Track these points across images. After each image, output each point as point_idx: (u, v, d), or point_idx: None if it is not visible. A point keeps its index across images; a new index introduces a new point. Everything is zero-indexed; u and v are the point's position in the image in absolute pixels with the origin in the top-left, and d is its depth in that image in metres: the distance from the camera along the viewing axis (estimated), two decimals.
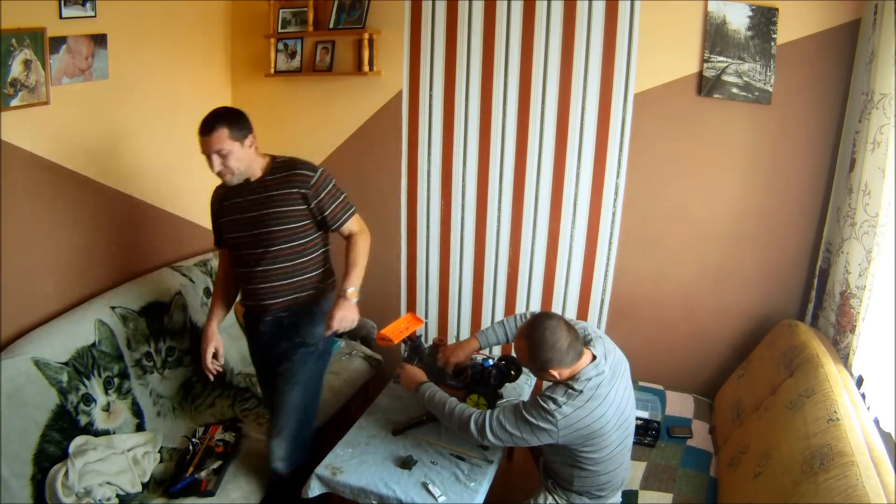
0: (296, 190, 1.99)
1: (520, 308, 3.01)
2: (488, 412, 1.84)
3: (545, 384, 1.89)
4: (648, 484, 2.11)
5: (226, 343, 2.82)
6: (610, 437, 1.76)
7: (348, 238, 2.09)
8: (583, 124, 2.72)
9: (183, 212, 2.95)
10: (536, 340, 1.74)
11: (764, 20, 2.42)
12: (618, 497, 1.97)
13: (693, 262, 2.75)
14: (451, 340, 3.10)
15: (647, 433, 2.33)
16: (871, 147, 2.11)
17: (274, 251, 1.99)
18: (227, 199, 2.06)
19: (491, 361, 2.40)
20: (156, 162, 2.75)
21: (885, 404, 1.99)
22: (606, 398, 1.73)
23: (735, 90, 2.51)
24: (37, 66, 2.09)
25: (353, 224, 2.09)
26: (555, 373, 1.74)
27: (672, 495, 2.05)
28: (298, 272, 2.04)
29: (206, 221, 3.08)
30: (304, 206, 2.00)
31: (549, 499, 1.96)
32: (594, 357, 1.78)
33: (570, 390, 1.72)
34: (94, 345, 2.21)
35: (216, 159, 1.96)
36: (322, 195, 2.01)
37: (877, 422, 1.95)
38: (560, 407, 1.69)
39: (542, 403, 1.72)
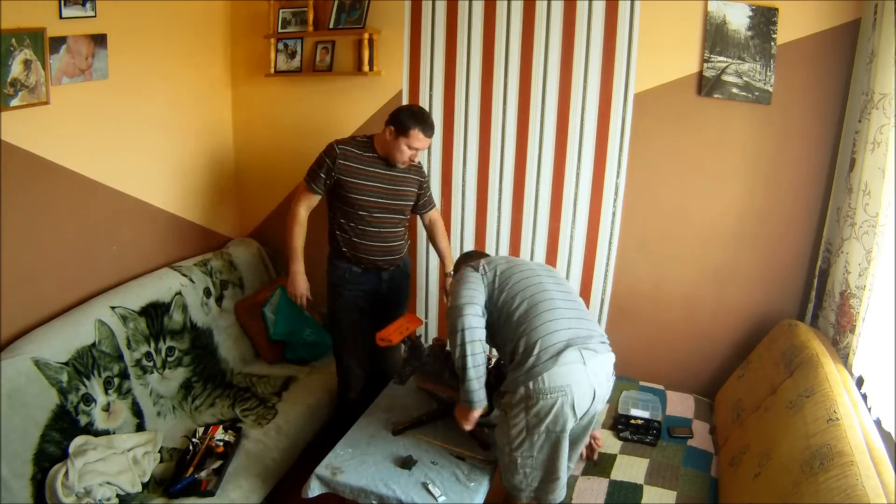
0: (417, 178, 2.55)
1: None
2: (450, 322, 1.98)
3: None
4: (653, 480, 2.11)
5: (226, 343, 2.84)
6: (506, 267, 2.08)
7: (431, 224, 2.73)
8: (583, 124, 2.72)
9: (183, 212, 2.95)
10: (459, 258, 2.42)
11: (764, 20, 2.42)
12: (549, 381, 1.80)
13: (693, 262, 2.75)
14: None
15: (647, 433, 2.33)
16: (871, 147, 2.11)
17: (398, 219, 2.53)
18: (369, 166, 2.44)
19: (491, 361, 2.40)
20: (156, 162, 2.75)
21: (885, 404, 1.99)
22: (495, 258, 2.18)
23: (735, 90, 2.51)
24: (37, 66, 2.09)
25: (434, 213, 2.73)
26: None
27: (676, 493, 2.05)
28: (402, 237, 2.59)
29: (205, 221, 3.11)
30: (417, 191, 2.56)
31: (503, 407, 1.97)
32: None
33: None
34: (94, 345, 2.21)
35: (414, 154, 2.39)
36: (426, 187, 2.62)
37: (877, 422, 1.95)
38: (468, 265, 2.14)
39: (462, 274, 2.10)
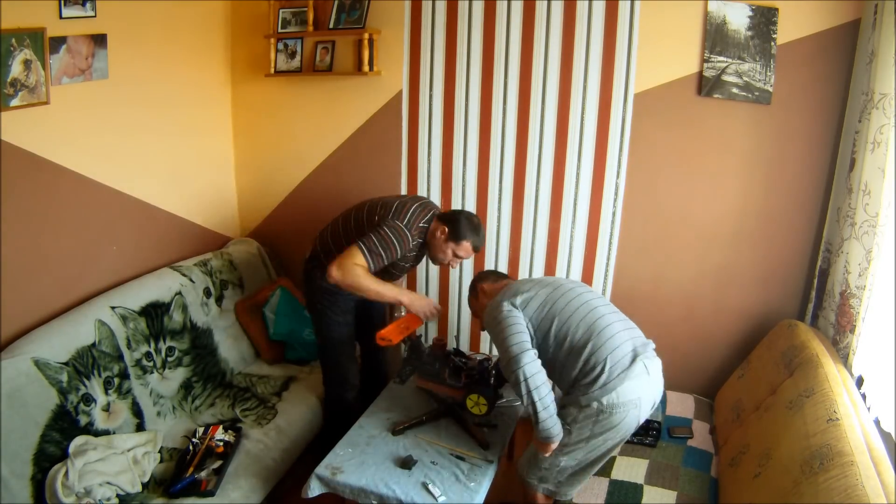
0: None
1: None
2: (509, 374, 1.91)
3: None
4: (653, 480, 2.11)
5: (226, 343, 2.84)
6: (550, 293, 2.01)
7: None
8: (583, 124, 2.72)
9: (183, 212, 2.95)
10: (475, 278, 2.37)
11: (764, 20, 2.42)
12: (622, 395, 1.84)
13: (693, 262, 2.75)
14: (450, 340, 3.10)
15: (647, 433, 2.33)
16: (871, 147, 2.11)
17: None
18: (415, 251, 2.40)
19: (491, 361, 2.40)
20: (156, 162, 2.75)
21: (885, 404, 1.99)
22: (528, 282, 2.12)
23: (735, 90, 2.51)
24: (37, 66, 2.09)
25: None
26: (484, 286, 2.27)
27: (676, 493, 2.05)
28: None
29: (205, 221, 3.11)
30: None
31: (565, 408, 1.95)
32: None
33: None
34: (94, 345, 2.21)
35: (455, 260, 2.39)
36: None
37: (877, 422, 1.95)
38: (493, 300, 2.07)
39: (491, 312, 2.03)
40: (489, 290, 2.23)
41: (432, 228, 2.34)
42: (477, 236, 2.33)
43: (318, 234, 2.51)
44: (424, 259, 2.54)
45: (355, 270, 2.18)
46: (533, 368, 1.85)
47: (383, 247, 2.21)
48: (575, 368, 1.89)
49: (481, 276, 2.34)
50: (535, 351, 1.90)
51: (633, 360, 1.88)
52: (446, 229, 2.29)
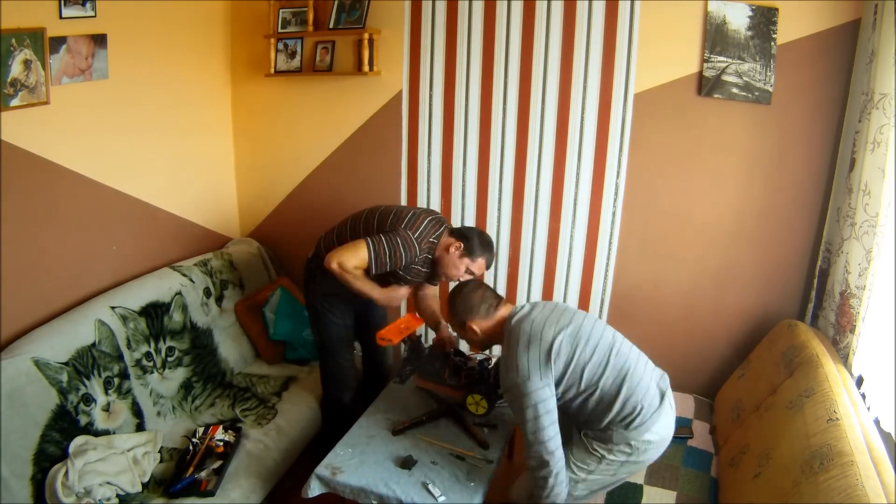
0: None
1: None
2: (528, 461, 1.81)
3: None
4: (653, 480, 2.11)
5: (226, 343, 2.84)
6: (580, 347, 1.82)
7: (428, 292, 2.60)
8: (583, 124, 2.72)
9: (183, 212, 2.95)
10: (451, 298, 2.02)
11: (764, 20, 2.42)
12: (656, 433, 1.83)
13: (693, 262, 2.75)
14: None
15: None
16: (871, 147, 2.10)
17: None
18: (424, 265, 2.35)
19: (491, 361, 2.40)
20: (156, 162, 2.75)
21: (885, 404, 1.99)
22: (536, 322, 1.85)
23: (735, 90, 2.51)
24: (37, 66, 2.09)
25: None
26: (474, 326, 1.96)
27: (676, 493, 2.05)
28: None
29: (205, 221, 3.11)
30: None
31: (591, 444, 1.88)
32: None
33: (503, 351, 1.88)
34: (94, 345, 2.21)
35: (466, 276, 2.31)
36: None
37: (877, 422, 1.95)
38: (508, 370, 1.81)
39: (509, 366, 1.81)
40: (483, 329, 1.97)
41: (445, 244, 2.29)
42: (490, 253, 2.33)
43: (324, 236, 2.49)
44: None
45: (353, 271, 2.20)
46: (563, 466, 1.79)
47: (390, 251, 2.20)
48: (608, 415, 1.83)
49: (468, 307, 1.98)
50: (557, 411, 1.80)
51: (662, 397, 1.88)
52: (461, 245, 2.27)
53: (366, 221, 2.38)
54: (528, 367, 1.78)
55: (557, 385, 1.82)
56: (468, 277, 2.32)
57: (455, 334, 2.30)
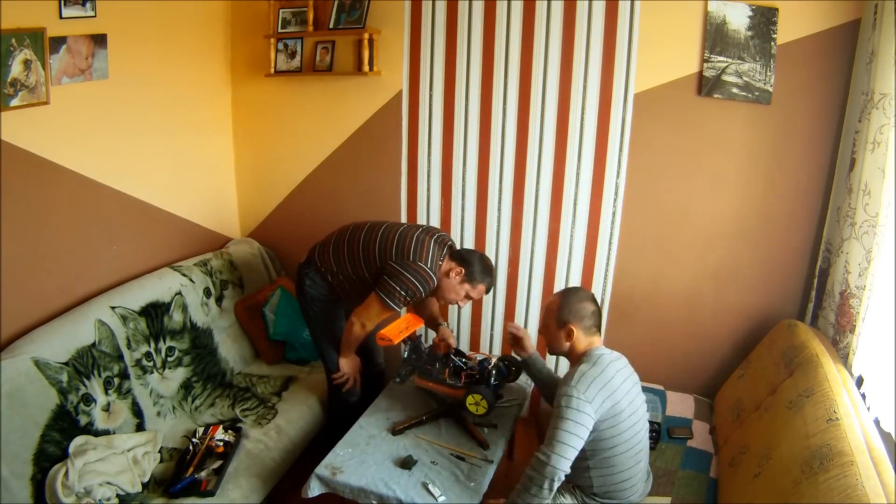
0: None
1: (519, 308, 3.01)
2: (538, 454, 1.79)
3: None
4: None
5: (226, 343, 2.84)
6: (625, 416, 1.84)
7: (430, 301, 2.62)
8: (583, 124, 2.72)
9: (183, 212, 2.95)
10: (568, 295, 2.01)
11: (764, 20, 2.42)
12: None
13: (693, 262, 2.75)
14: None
15: (648, 434, 2.32)
16: (871, 147, 2.11)
17: None
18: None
19: (491, 361, 2.40)
20: (156, 162, 2.75)
21: (885, 404, 1.99)
22: (617, 374, 1.88)
23: (735, 90, 2.51)
24: (37, 66, 2.09)
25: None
26: (573, 328, 1.95)
27: (670, 498, 2.05)
28: None
29: (205, 221, 3.11)
30: None
31: (569, 498, 1.93)
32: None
33: (581, 368, 1.86)
34: (94, 345, 2.21)
35: (465, 301, 2.36)
36: None
37: (877, 422, 1.95)
38: (577, 383, 1.80)
39: (566, 393, 1.80)
40: (576, 340, 1.96)
41: (445, 268, 2.29)
42: (491, 278, 2.33)
43: (319, 245, 2.49)
44: None
45: (366, 325, 2.34)
46: (560, 479, 1.78)
47: (405, 291, 2.23)
48: (602, 486, 1.89)
49: (579, 313, 1.96)
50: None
51: (647, 476, 2.00)
52: (462, 271, 2.26)
53: (365, 248, 2.35)
54: (593, 395, 1.79)
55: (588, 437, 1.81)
56: (467, 303, 2.35)
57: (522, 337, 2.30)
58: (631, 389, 1.92)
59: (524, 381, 2.53)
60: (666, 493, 2.08)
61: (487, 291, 2.36)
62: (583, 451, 1.81)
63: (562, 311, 1.98)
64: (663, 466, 2.21)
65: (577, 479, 1.92)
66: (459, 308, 3.07)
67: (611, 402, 1.81)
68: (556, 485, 1.77)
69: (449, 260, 2.30)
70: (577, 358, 1.95)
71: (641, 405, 1.97)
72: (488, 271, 2.31)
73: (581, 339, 1.95)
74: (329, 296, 2.45)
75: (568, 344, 1.97)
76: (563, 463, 1.74)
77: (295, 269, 2.56)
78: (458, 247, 2.50)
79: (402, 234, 2.31)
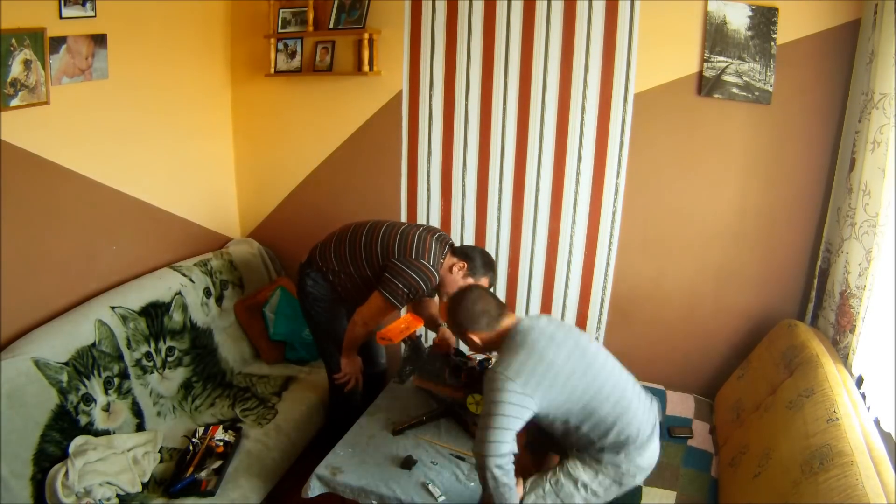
0: None
1: (519, 308, 3.01)
2: (478, 456, 1.73)
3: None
4: (652, 481, 2.10)
5: (226, 343, 2.84)
6: (574, 381, 1.73)
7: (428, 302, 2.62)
8: (583, 124, 2.72)
9: (183, 212, 2.95)
10: (454, 303, 1.90)
11: (764, 20, 2.42)
12: (645, 458, 1.83)
13: (693, 261, 2.75)
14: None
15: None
16: (871, 147, 2.10)
17: None
18: None
19: (491, 361, 2.40)
20: (156, 162, 2.75)
21: (885, 404, 1.99)
22: (547, 328, 1.79)
23: (735, 90, 2.51)
24: (37, 66, 2.09)
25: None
26: (474, 336, 1.85)
27: (676, 493, 2.05)
28: None
29: (205, 221, 3.11)
30: None
31: (585, 472, 1.83)
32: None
33: (503, 357, 1.76)
34: (94, 345, 2.21)
35: None
36: None
37: (877, 422, 1.95)
38: (504, 369, 1.70)
39: (492, 378, 1.71)
40: (483, 339, 1.87)
41: (448, 264, 2.29)
42: (493, 273, 2.33)
43: (319, 245, 2.49)
44: None
45: (368, 323, 2.34)
46: (502, 472, 1.69)
47: (408, 288, 2.23)
48: (601, 441, 1.79)
49: (469, 318, 1.86)
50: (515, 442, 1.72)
51: (652, 429, 1.85)
52: (465, 265, 2.27)
53: (367, 247, 2.36)
54: (518, 371, 1.70)
55: (555, 411, 1.75)
56: None
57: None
58: (578, 339, 1.83)
59: None
60: (672, 487, 2.08)
61: (490, 286, 2.36)
62: (563, 420, 1.76)
63: (454, 324, 1.90)
64: (666, 461, 2.21)
65: (579, 444, 1.84)
66: None
67: (543, 372, 1.71)
68: (507, 466, 1.69)
69: (451, 256, 2.31)
70: (498, 345, 1.85)
71: (601, 356, 1.85)
72: (490, 265, 2.32)
73: (489, 335, 1.85)
74: (330, 295, 2.45)
75: (481, 344, 1.87)
76: (491, 450, 1.66)
77: (296, 270, 2.56)
78: (457, 245, 2.49)
79: (405, 233, 2.32)
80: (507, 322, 1.86)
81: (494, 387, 1.70)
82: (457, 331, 1.93)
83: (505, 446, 1.67)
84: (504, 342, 1.82)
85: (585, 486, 1.83)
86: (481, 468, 1.70)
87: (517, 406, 1.68)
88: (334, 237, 2.47)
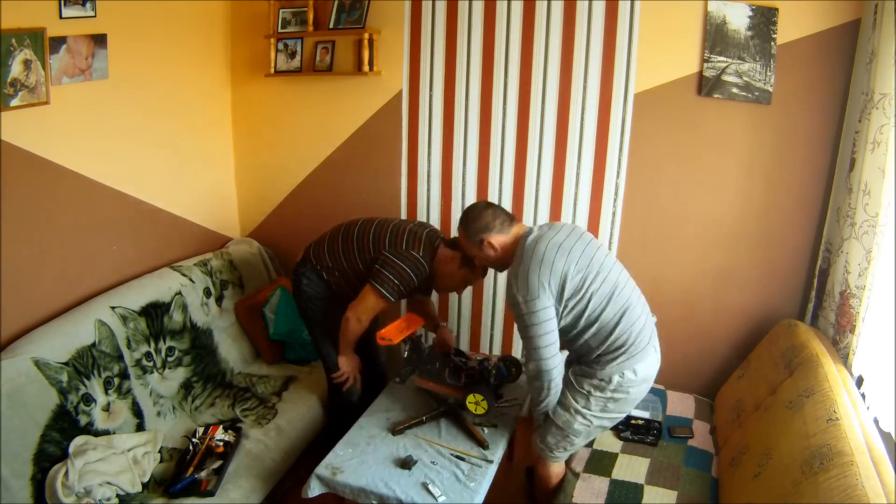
0: None
1: None
2: (525, 370, 1.98)
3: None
4: (653, 479, 2.11)
5: (226, 343, 2.84)
6: (589, 273, 1.90)
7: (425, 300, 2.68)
8: (583, 124, 2.72)
9: (183, 212, 2.95)
10: (466, 218, 2.08)
11: (764, 20, 2.42)
12: (643, 367, 1.98)
13: (693, 262, 2.75)
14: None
15: (648, 433, 2.33)
16: (871, 147, 2.10)
17: None
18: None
19: (491, 361, 2.40)
20: (156, 162, 2.75)
21: (884, 404, 1.99)
22: (555, 237, 1.94)
23: (735, 90, 2.51)
24: (37, 66, 2.09)
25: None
26: (492, 240, 2.03)
27: (677, 493, 2.05)
28: None
29: (205, 221, 3.11)
30: None
31: (581, 401, 1.99)
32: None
33: (516, 266, 1.93)
34: (94, 345, 2.21)
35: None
36: None
37: (876, 421, 1.95)
38: (525, 292, 1.88)
39: (516, 303, 1.90)
40: (501, 244, 2.04)
41: (443, 256, 2.30)
42: None
43: (313, 244, 2.51)
44: None
45: (362, 320, 2.35)
46: (558, 373, 1.94)
47: (399, 281, 2.25)
48: (601, 347, 1.94)
49: (483, 224, 2.04)
50: (558, 345, 1.92)
51: (649, 339, 1.99)
52: (459, 255, 2.27)
53: (359, 241, 2.37)
54: (537, 286, 1.86)
55: (562, 312, 1.90)
56: (465, 288, 2.35)
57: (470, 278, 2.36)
58: (587, 245, 1.96)
59: (524, 380, 2.53)
60: (672, 486, 2.08)
61: (484, 275, 2.36)
62: (571, 324, 1.93)
63: (470, 236, 2.06)
64: (666, 461, 2.21)
65: (578, 354, 2.00)
66: (459, 306, 3.07)
67: (560, 274, 1.87)
68: (557, 380, 1.94)
69: (444, 248, 2.32)
70: (512, 257, 2.00)
71: (609, 261, 2.00)
72: None
73: (504, 238, 2.03)
74: (326, 294, 2.45)
75: (500, 251, 2.03)
76: (548, 363, 1.90)
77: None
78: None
79: (396, 227, 2.35)
80: (517, 228, 2.05)
81: (522, 311, 1.88)
82: (475, 244, 2.07)
83: (553, 350, 1.89)
84: (516, 255, 1.96)
85: (578, 412, 1.98)
86: (538, 378, 1.93)
87: (547, 312, 1.87)
88: (328, 235, 2.49)
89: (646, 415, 2.42)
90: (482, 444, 2.14)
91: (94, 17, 2.29)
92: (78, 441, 2.04)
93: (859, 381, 2.13)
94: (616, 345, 1.93)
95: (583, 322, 1.93)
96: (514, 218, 2.08)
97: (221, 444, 2.25)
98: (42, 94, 2.13)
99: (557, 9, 2.63)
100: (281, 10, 2.95)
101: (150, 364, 2.44)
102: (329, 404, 2.66)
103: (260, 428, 2.42)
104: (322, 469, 2.00)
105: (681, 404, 2.60)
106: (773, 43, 2.42)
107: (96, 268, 2.49)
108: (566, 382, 2.03)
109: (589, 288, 1.91)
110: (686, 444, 2.33)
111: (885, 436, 1.90)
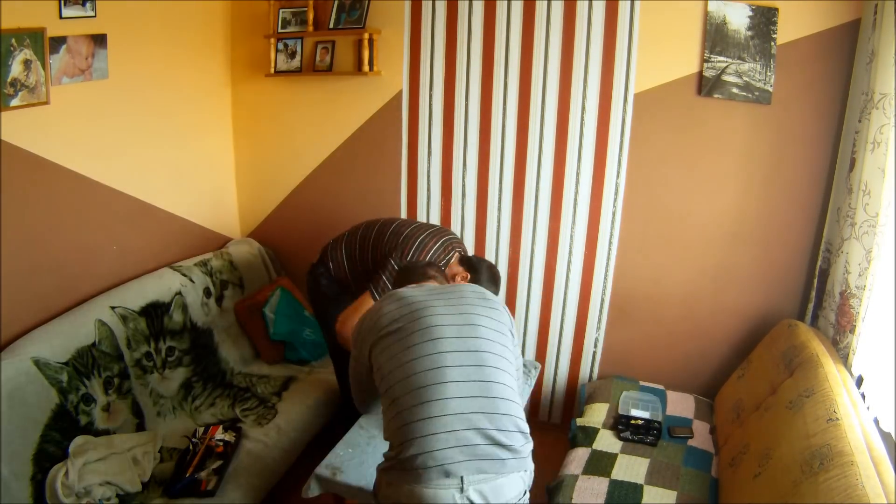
0: None
1: (519, 308, 3.01)
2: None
3: None
4: (653, 480, 2.11)
5: (226, 343, 2.84)
6: (395, 336, 1.50)
7: None
8: (583, 124, 2.72)
9: (183, 212, 2.95)
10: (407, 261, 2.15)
11: (764, 20, 2.42)
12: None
13: (693, 261, 2.75)
14: None
15: (648, 433, 2.33)
16: (871, 147, 2.10)
17: None
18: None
19: None
20: (156, 162, 2.75)
21: (884, 404, 1.99)
22: (396, 296, 1.62)
23: (735, 90, 2.51)
24: (37, 66, 2.09)
25: None
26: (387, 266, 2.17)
27: (676, 493, 2.05)
28: None
29: (205, 221, 3.11)
30: None
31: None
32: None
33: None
34: (94, 345, 2.21)
35: None
36: None
37: (876, 421, 1.95)
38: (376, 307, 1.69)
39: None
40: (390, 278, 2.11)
41: (452, 272, 2.28)
42: (496, 287, 2.31)
43: (331, 244, 2.50)
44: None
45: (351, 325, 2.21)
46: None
47: (386, 278, 2.22)
48: (397, 426, 1.41)
49: (407, 264, 2.08)
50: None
51: (448, 475, 1.33)
52: (468, 276, 2.26)
53: (374, 242, 2.36)
54: (358, 333, 1.63)
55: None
56: None
57: None
58: (426, 308, 1.52)
59: (525, 381, 2.53)
60: (672, 486, 2.08)
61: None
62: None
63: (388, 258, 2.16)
64: (667, 461, 2.21)
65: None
66: None
67: (380, 325, 1.52)
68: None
69: (456, 264, 2.30)
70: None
71: (451, 330, 1.48)
72: (495, 280, 2.30)
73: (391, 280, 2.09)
74: (342, 294, 2.45)
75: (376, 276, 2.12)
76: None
77: (297, 269, 2.56)
78: (468, 253, 2.48)
79: (409, 234, 2.32)
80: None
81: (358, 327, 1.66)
82: (381, 256, 2.18)
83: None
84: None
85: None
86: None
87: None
88: (345, 237, 2.48)
89: (646, 415, 2.42)
90: None
91: (94, 17, 2.29)
92: (78, 441, 2.04)
93: (859, 381, 2.13)
94: (404, 454, 1.41)
95: (384, 391, 1.55)
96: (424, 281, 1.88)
97: (221, 444, 2.25)
98: (42, 94, 2.13)
99: (557, 9, 2.63)
100: (281, 10, 2.95)
101: (150, 364, 2.44)
102: (340, 409, 2.65)
103: (260, 428, 2.42)
104: (322, 469, 2.00)
105: (681, 404, 2.60)
106: (773, 43, 2.42)
107: (96, 268, 2.49)
108: None
109: (400, 345, 1.53)
110: (686, 444, 2.33)
111: (885, 436, 1.90)
